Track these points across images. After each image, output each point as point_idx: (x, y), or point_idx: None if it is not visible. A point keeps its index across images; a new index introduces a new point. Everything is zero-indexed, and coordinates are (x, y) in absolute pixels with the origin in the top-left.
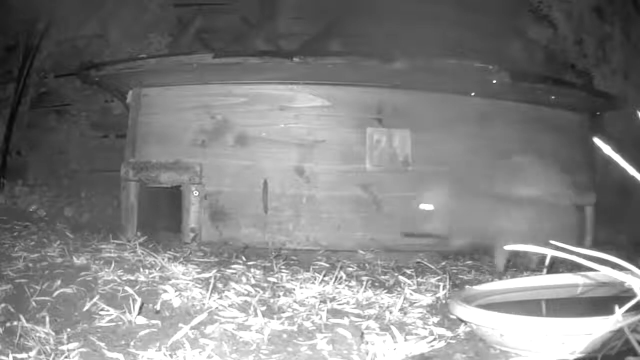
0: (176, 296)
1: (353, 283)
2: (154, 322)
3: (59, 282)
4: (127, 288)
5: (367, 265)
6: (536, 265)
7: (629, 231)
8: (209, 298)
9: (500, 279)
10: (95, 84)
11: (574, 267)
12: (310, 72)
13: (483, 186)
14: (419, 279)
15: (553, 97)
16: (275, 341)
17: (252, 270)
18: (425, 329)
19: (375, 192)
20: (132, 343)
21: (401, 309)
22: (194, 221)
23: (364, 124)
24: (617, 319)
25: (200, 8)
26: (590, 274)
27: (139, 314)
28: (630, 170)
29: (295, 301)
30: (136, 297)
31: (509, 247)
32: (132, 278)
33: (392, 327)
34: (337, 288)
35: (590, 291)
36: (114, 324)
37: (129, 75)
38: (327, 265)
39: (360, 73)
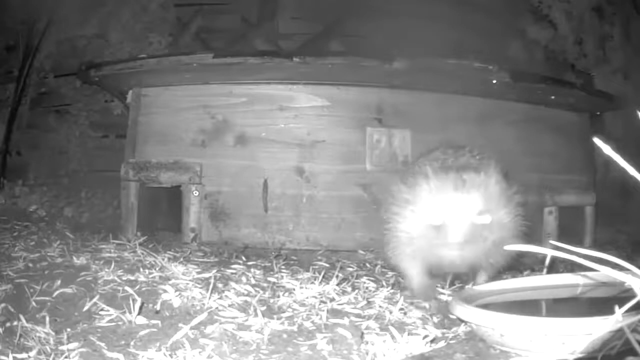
0: (176, 296)
1: (351, 283)
2: (154, 322)
3: (59, 282)
4: (127, 288)
5: (367, 265)
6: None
7: (629, 231)
8: (209, 298)
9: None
10: (95, 84)
11: (574, 267)
12: (310, 72)
13: None
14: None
15: (553, 97)
16: (275, 341)
17: (252, 270)
18: (425, 329)
19: (375, 192)
20: (132, 343)
21: (401, 309)
22: (194, 221)
23: (364, 124)
24: (617, 319)
25: (200, 8)
26: (590, 274)
27: (139, 314)
28: (630, 170)
29: (295, 301)
30: (136, 297)
31: (509, 247)
32: (132, 278)
33: (392, 327)
34: (336, 289)
35: (590, 291)
36: (114, 324)
37: (129, 75)
38: (327, 265)
39: (360, 73)
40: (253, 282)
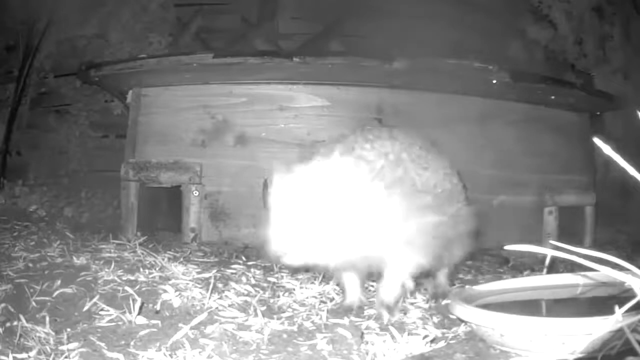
0: (176, 296)
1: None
2: (154, 322)
3: (59, 282)
4: (127, 288)
5: None
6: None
7: (629, 231)
8: (209, 298)
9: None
10: (95, 84)
11: (574, 267)
12: (310, 72)
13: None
14: (419, 279)
15: (553, 97)
16: (275, 341)
17: (252, 270)
18: (425, 329)
19: None
20: (132, 343)
21: (401, 309)
22: (194, 221)
23: (364, 124)
24: (617, 319)
25: (200, 8)
26: (590, 274)
27: (139, 314)
28: (630, 170)
29: (295, 301)
30: (136, 297)
31: (509, 247)
32: (132, 278)
33: (392, 327)
34: (336, 289)
35: (590, 291)
36: (114, 324)
37: (129, 75)
38: None
39: (360, 73)
40: (253, 282)
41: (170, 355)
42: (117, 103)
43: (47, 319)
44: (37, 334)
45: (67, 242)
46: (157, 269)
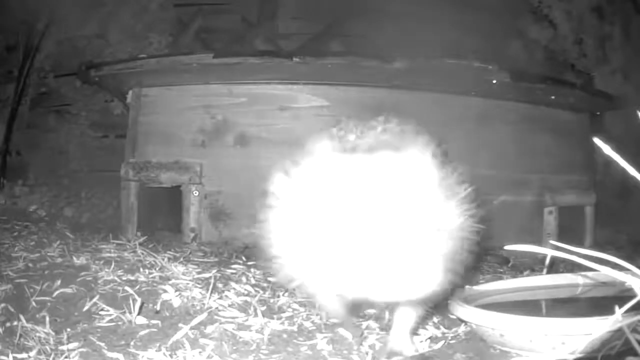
0: (176, 296)
1: None
2: (154, 322)
3: (59, 282)
4: (127, 288)
5: None
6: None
7: (629, 231)
8: (209, 298)
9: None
10: (95, 84)
11: (574, 267)
12: (310, 72)
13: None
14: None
15: (553, 97)
16: (275, 341)
17: (252, 270)
18: (426, 329)
19: None
20: (132, 343)
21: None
22: (194, 221)
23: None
24: (617, 319)
25: (200, 8)
26: (590, 274)
27: (139, 314)
28: (630, 170)
29: (295, 301)
30: (136, 297)
31: (509, 247)
32: (132, 278)
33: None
34: None
35: (590, 291)
36: (114, 324)
37: (129, 75)
38: None
39: (360, 73)
40: (253, 282)
41: (170, 355)
42: (117, 103)
43: (47, 319)
44: (37, 334)
45: (67, 242)
46: (157, 269)
